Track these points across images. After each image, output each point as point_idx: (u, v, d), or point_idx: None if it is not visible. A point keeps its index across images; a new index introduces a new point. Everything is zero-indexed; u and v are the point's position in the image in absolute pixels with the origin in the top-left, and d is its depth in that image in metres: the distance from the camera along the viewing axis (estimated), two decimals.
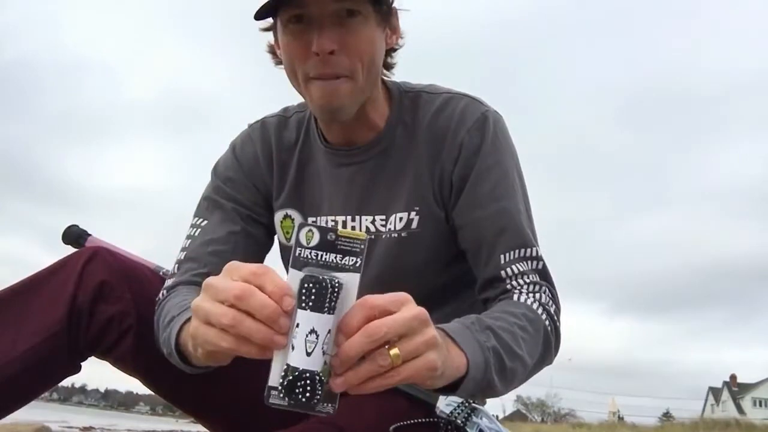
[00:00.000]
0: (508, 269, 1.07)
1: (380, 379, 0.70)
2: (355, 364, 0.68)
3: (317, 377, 0.68)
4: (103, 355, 1.07)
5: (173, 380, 0.97)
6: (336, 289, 0.69)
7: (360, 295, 1.15)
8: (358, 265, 0.71)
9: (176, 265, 1.14)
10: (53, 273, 1.04)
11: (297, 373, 0.68)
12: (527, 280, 1.07)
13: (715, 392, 52.66)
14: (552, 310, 1.06)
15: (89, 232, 1.41)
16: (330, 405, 0.70)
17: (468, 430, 1.06)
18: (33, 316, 1.00)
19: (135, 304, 1.04)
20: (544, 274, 1.09)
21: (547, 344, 1.03)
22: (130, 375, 1.12)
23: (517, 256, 1.08)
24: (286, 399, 0.69)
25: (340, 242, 0.71)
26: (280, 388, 0.69)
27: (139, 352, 1.04)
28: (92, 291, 1.02)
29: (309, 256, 0.70)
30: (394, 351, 0.69)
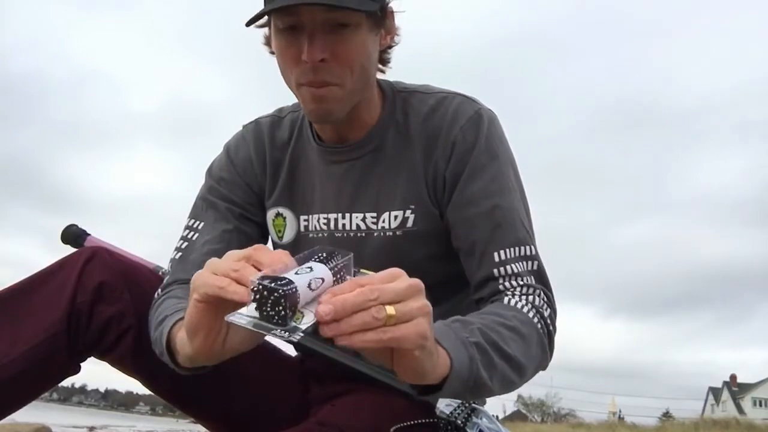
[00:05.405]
0: (502, 268, 1.05)
1: (372, 333, 0.67)
2: (348, 316, 0.67)
3: (295, 289, 0.67)
4: (102, 356, 1.07)
5: (173, 381, 0.97)
6: (340, 254, 0.75)
7: None
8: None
9: (170, 265, 1.15)
10: (52, 273, 1.04)
11: (279, 276, 0.68)
12: (521, 282, 1.05)
13: (715, 392, 52.67)
14: (546, 313, 1.03)
15: (88, 232, 1.41)
16: (297, 334, 0.66)
17: (468, 430, 1.05)
18: (33, 316, 1.00)
19: (134, 305, 1.04)
20: (539, 276, 1.07)
21: (541, 347, 1.01)
22: (130, 375, 1.12)
23: (512, 255, 1.06)
24: (258, 295, 0.66)
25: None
26: (255, 282, 0.67)
27: (138, 352, 1.03)
28: (92, 291, 1.02)
29: None
30: (390, 308, 0.68)
